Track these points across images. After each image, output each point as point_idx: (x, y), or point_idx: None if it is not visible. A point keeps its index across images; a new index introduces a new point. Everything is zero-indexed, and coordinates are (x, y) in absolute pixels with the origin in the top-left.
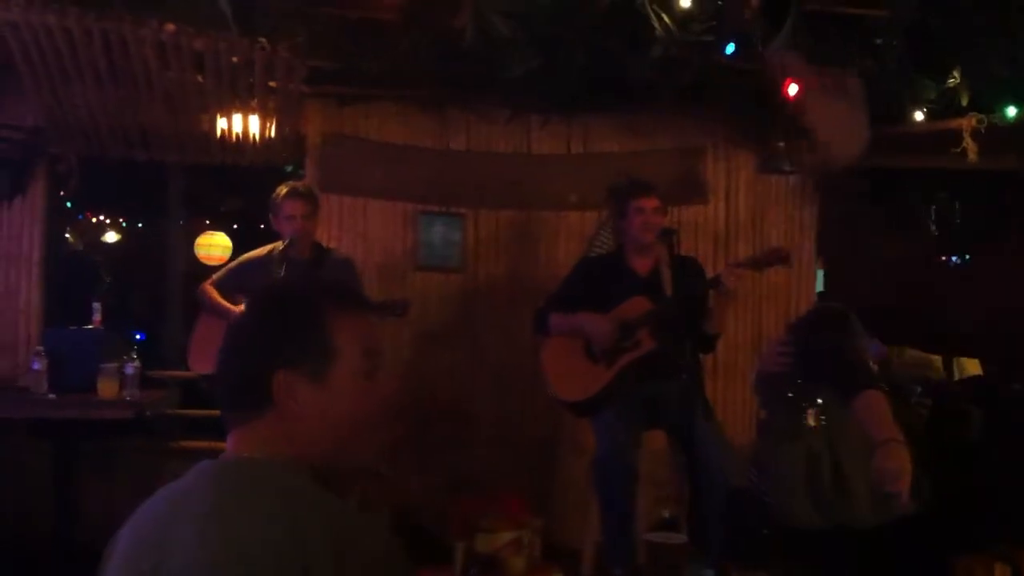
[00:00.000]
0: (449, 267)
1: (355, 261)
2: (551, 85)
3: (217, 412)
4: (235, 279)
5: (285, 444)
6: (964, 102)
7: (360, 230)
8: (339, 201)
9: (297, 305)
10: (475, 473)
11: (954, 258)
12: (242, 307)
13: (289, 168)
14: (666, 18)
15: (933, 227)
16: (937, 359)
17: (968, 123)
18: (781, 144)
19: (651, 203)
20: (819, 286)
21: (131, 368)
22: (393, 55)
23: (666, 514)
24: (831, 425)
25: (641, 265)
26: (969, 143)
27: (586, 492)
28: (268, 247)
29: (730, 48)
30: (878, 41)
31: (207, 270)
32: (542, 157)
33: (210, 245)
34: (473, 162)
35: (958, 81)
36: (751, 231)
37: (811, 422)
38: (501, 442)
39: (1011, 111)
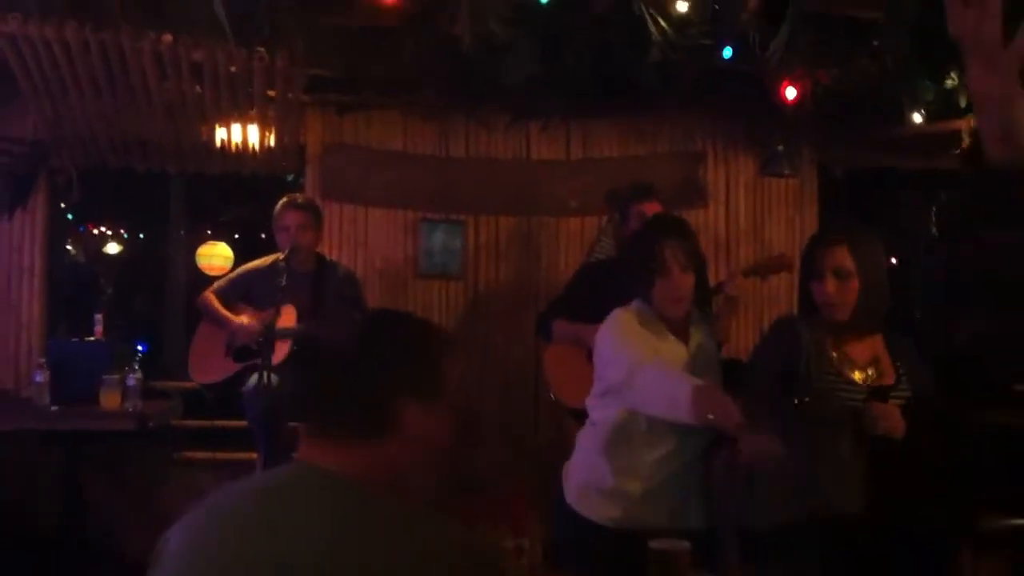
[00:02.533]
0: (450, 274)
1: (356, 273)
2: (550, 91)
3: (220, 423)
4: (238, 288)
5: (390, 468)
6: (963, 103)
7: (361, 238)
8: (339, 209)
9: (419, 338)
10: (479, 479)
11: None
12: (244, 318)
13: (290, 177)
14: (663, 23)
15: (934, 228)
16: None
17: (967, 124)
18: (780, 147)
19: (652, 208)
20: None
21: (133, 379)
22: (393, 63)
23: None
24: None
25: None
26: (968, 144)
27: None
28: (271, 257)
29: (728, 52)
30: (876, 42)
31: (208, 280)
32: (541, 163)
33: (211, 255)
34: (473, 169)
35: (956, 83)
36: (751, 235)
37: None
38: (504, 448)
39: None
